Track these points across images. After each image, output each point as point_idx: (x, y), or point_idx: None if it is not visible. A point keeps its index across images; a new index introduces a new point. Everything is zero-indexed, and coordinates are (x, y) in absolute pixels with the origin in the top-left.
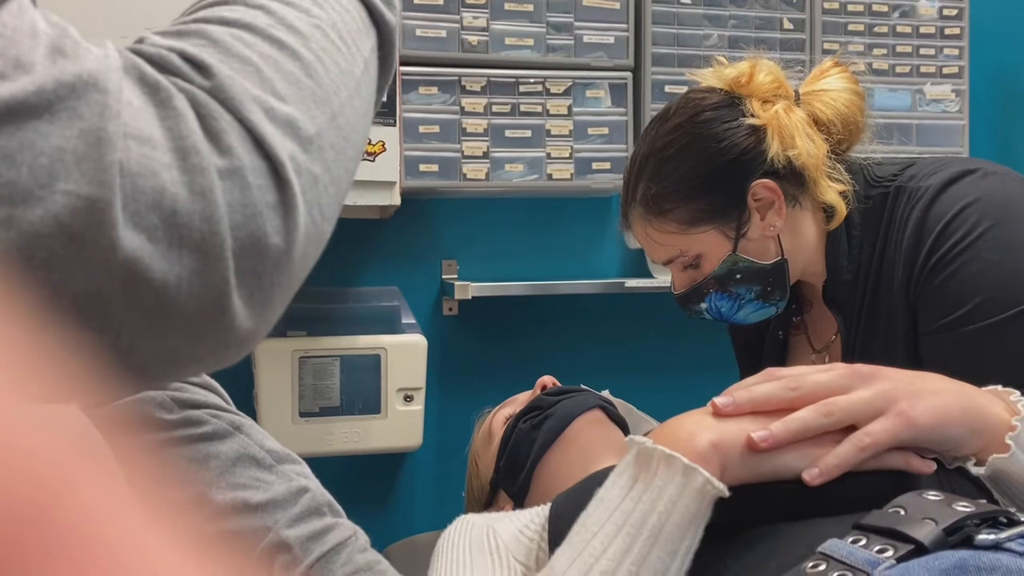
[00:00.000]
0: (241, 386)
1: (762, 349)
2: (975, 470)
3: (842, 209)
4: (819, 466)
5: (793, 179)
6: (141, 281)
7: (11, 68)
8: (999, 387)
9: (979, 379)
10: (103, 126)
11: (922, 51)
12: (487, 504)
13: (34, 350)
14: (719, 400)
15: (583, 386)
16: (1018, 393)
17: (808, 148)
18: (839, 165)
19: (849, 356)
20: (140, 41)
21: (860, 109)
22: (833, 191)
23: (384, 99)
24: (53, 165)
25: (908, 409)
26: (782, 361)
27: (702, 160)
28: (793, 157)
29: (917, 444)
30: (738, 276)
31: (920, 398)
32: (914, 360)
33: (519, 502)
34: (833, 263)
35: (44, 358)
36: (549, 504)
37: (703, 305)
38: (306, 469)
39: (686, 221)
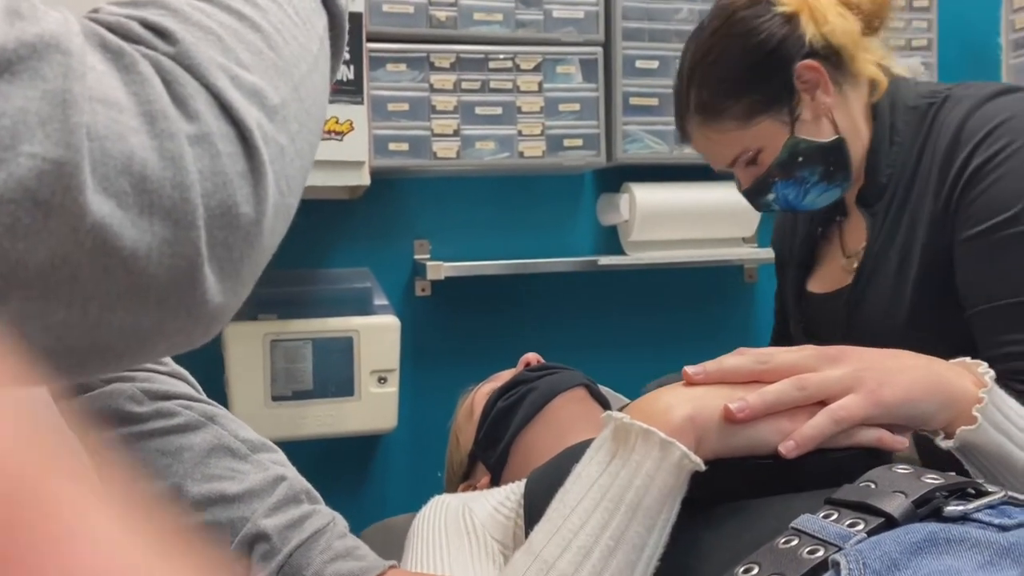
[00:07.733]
0: (212, 371)
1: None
2: (944, 444)
3: (882, 80)
4: (795, 438)
5: (833, 59)
6: (110, 250)
7: None
8: (968, 359)
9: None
10: (68, 87)
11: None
12: (465, 477)
13: None
14: (690, 368)
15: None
16: (985, 365)
17: (842, 24)
18: (872, 42)
19: (869, 259)
20: (96, 11)
21: None
22: (871, 64)
23: (352, 76)
24: (16, 127)
25: (877, 389)
26: (811, 262)
27: (744, 56)
28: (828, 34)
29: (887, 421)
30: (800, 159)
31: (888, 376)
32: (928, 271)
33: (496, 474)
34: (873, 163)
35: (4, 338)
36: (524, 481)
37: (771, 196)
38: (282, 457)
39: (741, 116)
